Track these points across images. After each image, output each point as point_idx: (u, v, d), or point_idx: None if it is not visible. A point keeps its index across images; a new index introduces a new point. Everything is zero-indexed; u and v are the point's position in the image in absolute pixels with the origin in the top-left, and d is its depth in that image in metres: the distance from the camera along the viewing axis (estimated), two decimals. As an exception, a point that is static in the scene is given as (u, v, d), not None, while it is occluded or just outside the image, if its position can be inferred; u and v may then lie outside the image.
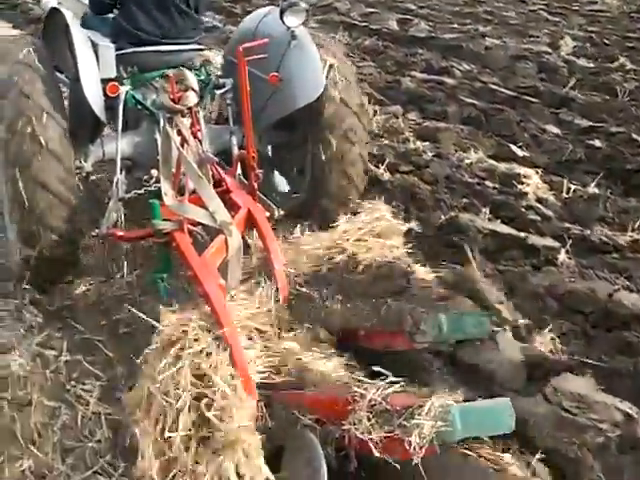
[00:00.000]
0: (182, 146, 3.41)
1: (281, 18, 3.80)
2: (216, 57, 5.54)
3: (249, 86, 3.55)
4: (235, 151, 3.91)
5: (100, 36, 4.01)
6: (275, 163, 4.44)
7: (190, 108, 3.64)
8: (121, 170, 3.68)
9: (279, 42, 3.84)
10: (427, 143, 6.06)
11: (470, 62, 9.10)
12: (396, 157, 5.60)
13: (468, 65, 8.86)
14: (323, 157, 4.00)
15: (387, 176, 5.20)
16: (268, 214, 3.52)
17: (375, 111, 6.66)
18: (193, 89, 3.71)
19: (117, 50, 3.91)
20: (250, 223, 3.36)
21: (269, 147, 4.35)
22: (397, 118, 6.48)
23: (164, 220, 3.09)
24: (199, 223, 3.19)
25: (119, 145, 3.72)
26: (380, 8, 12.83)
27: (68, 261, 3.70)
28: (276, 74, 3.77)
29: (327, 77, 3.95)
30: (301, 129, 4.18)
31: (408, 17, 11.88)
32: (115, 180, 3.58)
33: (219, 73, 4.33)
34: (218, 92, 4.14)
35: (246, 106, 3.51)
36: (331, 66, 4.01)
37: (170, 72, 3.79)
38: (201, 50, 4.22)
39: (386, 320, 2.77)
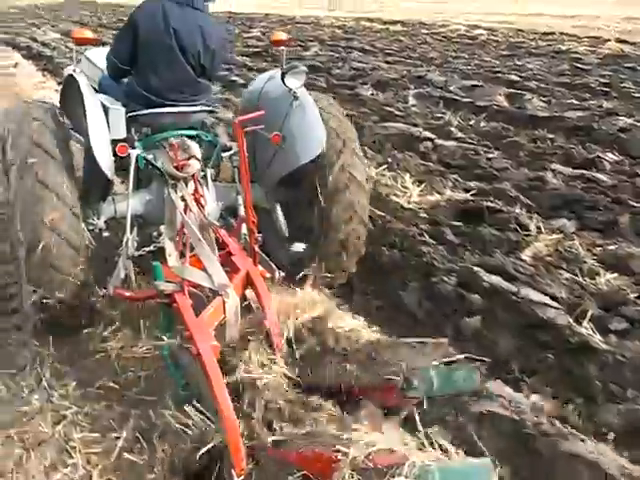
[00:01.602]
0: (185, 211, 3.67)
1: (282, 80, 4.02)
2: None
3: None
4: (241, 211, 4.02)
5: (113, 99, 4.23)
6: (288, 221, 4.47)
7: (193, 175, 3.94)
8: (132, 227, 3.84)
9: (282, 103, 4.07)
10: (616, 275, 4.67)
11: (608, 147, 7.72)
12: (597, 303, 4.20)
13: (613, 154, 7.45)
14: (328, 216, 4.10)
15: (599, 340, 3.79)
16: (269, 275, 3.65)
17: (538, 228, 5.29)
18: (196, 157, 3.99)
19: (130, 112, 4.15)
20: (248, 285, 3.43)
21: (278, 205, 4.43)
22: (571, 239, 5.10)
23: (166, 281, 3.21)
24: (200, 285, 3.27)
25: (130, 204, 3.90)
26: (479, 80, 11.60)
27: (80, 308, 3.71)
28: (278, 134, 4.00)
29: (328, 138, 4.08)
30: (306, 187, 4.22)
31: (515, 91, 10.59)
32: (125, 239, 3.73)
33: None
34: (225, 154, 4.33)
35: (245, 175, 3.52)
36: (333, 128, 4.14)
37: (174, 141, 4.04)
38: (211, 112, 4.44)
39: (380, 376, 2.84)
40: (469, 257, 4.91)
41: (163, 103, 4.17)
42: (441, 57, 14.38)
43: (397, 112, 9.28)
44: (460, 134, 8.21)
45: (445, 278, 4.48)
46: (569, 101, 10.10)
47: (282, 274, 3.78)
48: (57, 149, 3.63)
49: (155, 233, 3.92)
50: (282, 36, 4.49)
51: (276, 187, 4.35)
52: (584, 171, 6.84)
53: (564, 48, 15.81)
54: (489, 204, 5.57)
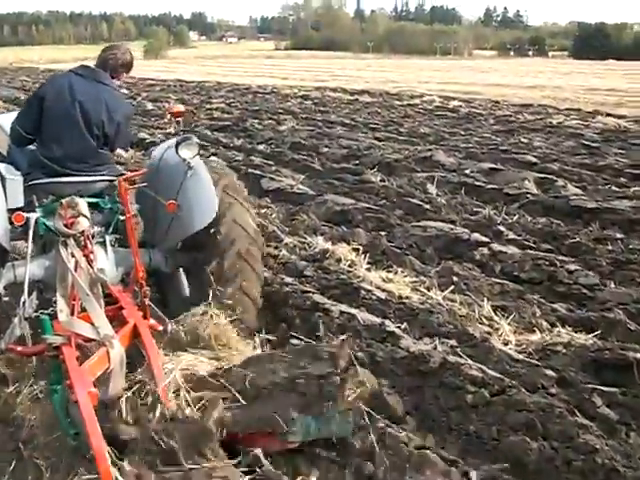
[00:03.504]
0: (75, 267, 3.79)
1: (176, 151, 4.19)
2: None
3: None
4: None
5: (12, 169, 4.44)
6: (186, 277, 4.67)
7: (83, 232, 4.03)
8: (32, 291, 3.94)
9: (177, 172, 4.20)
10: None
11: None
12: None
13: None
14: (220, 275, 4.20)
15: None
16: (162, 328, 3.75)
17: None
18: (84, 215, 4.08)
19: (33, 180, 4.33)
20: (135, 336, 3.52)
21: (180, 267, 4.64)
22: None
23: (55, 335, 3.34)
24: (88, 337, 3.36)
25: (29, 269, 3.96)
26: (493, 161, 10.42)
27: None
28: (174, 201, 4.11)
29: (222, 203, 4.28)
30: (203, 251, 4.34)
31: (539, 175, 9.41)
32: (22, 300, 3.79)
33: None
34: (122, 218, 4.25)
35: (131, 231, 3.92)
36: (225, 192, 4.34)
37: (64, 200, 4.11)
38: (111, 181, 4.45)
39: (261, 422, 3.01)
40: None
41: (65, 172, 4.29)
42: (434, 133, 13.24)
43: (423, 204, 7.93)
44: (512, 234, 6.87)
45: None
46: (605, 187, 8.98)
47: (174, 327, 3.88)
48: None
49: (54, 298, 3.81)
50: (181, 108, 4.90)
51: (175, 251, 4.53)
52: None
53: (555, 122, 14.94)
54: (637, 355, 4.13)
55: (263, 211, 7.49)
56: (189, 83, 30.85)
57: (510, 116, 16.03)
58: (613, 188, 8.86)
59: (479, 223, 7.26)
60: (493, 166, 9.93)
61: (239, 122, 15.32)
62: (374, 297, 5.10)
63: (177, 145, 4.18)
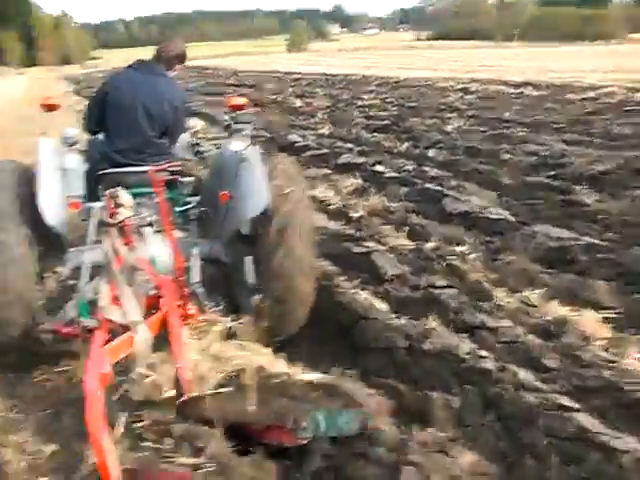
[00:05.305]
0: (115, 255, 3.92)
1: (229, 144, 4.48)
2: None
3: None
4: (191, 261, 4.32)
5: (79, 160, 4.93)
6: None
7: (122, 222, 4.17)
8: (94, 276, 4.07)
9: (231, 164, 4.37)
10: None
11: None
12: None
13: None
14: (273, 269, 4.14)
15: None
16: (201, 317, 3.89)
17: None
18: (124, 206, 4.20)
19: (100, 170, 4.53)
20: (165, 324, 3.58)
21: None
22: None
23: (91, 318, 3.67)
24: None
25: (89, 254, 4.19)
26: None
27: (23, 347, 4.01)
28: (226, 192, 4.27)
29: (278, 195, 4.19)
30: (260, 243, 4.34)
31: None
32: (80, 284, 4.05)
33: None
34: (181, 208, 4.68)
35: (166, 219, 4.22)
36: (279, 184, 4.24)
37: (107, 192, 4.26)
38: (173, 173, 4.62)
39: (272, 416, 2.99)
40: None
41: (128, 163, 4.47)
42: (636, 135, 11.00)
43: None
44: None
45: None
46: None
47: (216, 307, 4.06)
48: (10, 207, 3.99)
49: None
50: (240, 101, 4.99)
51: (235, 242, 4.49)
52: None
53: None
54: None
55: (458, 250, 5.86)
56: (335, 76, 29.62)
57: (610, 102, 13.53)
58: None
59: None
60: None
61: (399, 121, 13.76)
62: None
63: (230, 137, 4.47)
